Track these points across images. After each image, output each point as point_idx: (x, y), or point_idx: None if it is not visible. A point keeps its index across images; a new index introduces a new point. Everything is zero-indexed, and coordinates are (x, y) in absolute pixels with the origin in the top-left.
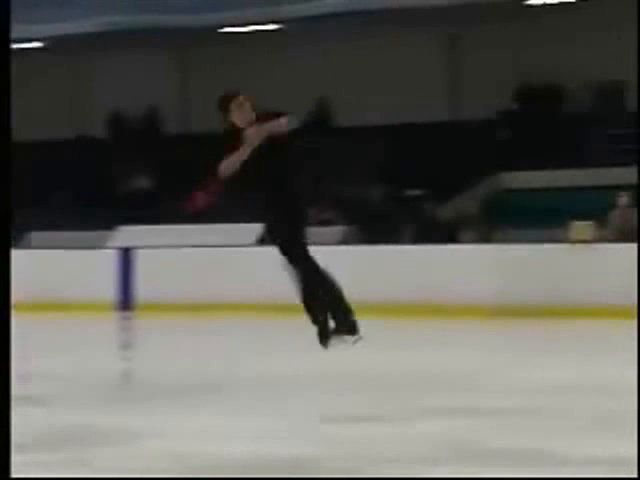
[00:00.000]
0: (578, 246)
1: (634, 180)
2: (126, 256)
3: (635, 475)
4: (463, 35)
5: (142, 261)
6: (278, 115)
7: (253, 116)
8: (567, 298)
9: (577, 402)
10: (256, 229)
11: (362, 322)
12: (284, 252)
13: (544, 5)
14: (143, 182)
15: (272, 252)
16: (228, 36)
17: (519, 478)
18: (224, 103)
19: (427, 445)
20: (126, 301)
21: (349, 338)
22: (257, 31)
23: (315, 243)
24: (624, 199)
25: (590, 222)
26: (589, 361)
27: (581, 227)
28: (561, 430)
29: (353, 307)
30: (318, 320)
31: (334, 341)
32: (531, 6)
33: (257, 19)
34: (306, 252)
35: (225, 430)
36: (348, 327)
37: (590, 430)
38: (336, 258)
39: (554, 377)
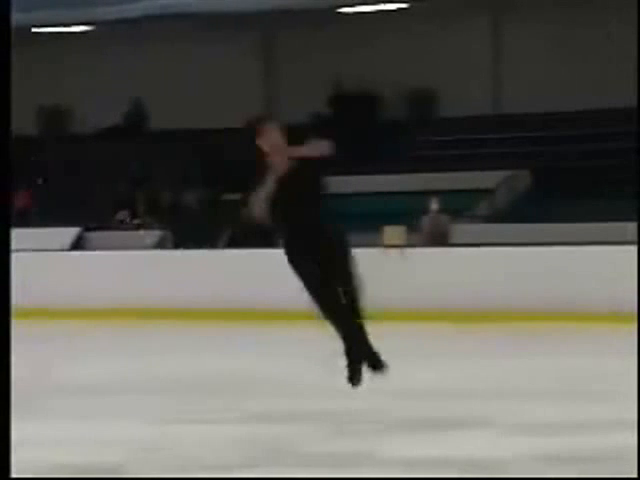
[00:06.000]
0: (390, 251)
1: (445, 186)
2: None
3: (635, 475)
4: (278, 40)
5: None
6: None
7: (281, 141)
8: (378, 302)
9: (387, 405)
10: (69, 233)
11: (177, 328)
12: (313, 293)
13: (357, 13)
14: None
15: (86, 257)
16: (39, 36)
17: (336, 478)
18: (252, 130)
19: (243, 448)
20: None
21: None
22: (69, 32)
23: (130, 247)
24: (435, 205)
25: (402, 227)
26: (399, 364)
27: (392, 232)
28: (373, 432)
29: (163, 313)
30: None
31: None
32: (344, 14)
33: (68, 20)
34: (340, 305)
35: (37, 438)
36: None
37: (403, 432)
38: (151, 262)
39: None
